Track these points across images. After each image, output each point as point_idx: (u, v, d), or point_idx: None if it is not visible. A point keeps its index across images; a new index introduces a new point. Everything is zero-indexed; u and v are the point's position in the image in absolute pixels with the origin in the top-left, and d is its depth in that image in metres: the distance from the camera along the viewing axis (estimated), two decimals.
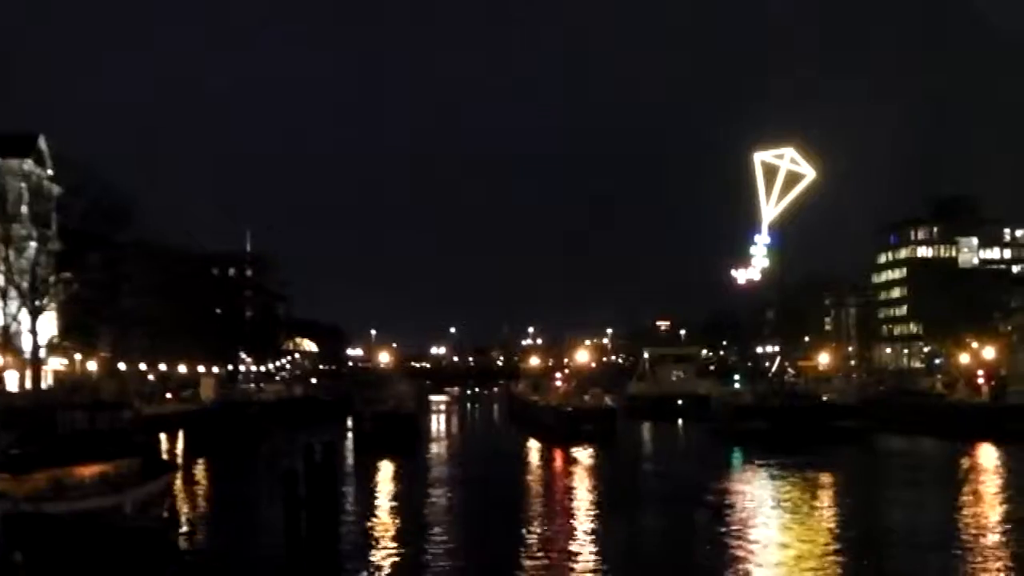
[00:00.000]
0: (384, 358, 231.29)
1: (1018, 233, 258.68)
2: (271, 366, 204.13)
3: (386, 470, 77.13)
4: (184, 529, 47.64)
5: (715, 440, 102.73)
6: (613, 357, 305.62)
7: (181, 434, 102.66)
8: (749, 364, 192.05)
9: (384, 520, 52.30)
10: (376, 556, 42.33)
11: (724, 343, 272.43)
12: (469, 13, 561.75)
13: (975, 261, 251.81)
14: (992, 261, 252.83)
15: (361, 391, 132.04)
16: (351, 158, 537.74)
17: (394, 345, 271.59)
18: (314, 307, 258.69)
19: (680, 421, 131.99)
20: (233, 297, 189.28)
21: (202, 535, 48.31)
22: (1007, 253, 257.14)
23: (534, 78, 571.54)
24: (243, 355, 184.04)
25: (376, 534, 47.34)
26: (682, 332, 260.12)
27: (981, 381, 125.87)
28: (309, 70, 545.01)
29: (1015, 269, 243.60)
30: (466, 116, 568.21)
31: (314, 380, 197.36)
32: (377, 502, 59.20)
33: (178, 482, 62.21)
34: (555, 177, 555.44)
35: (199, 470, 77.29)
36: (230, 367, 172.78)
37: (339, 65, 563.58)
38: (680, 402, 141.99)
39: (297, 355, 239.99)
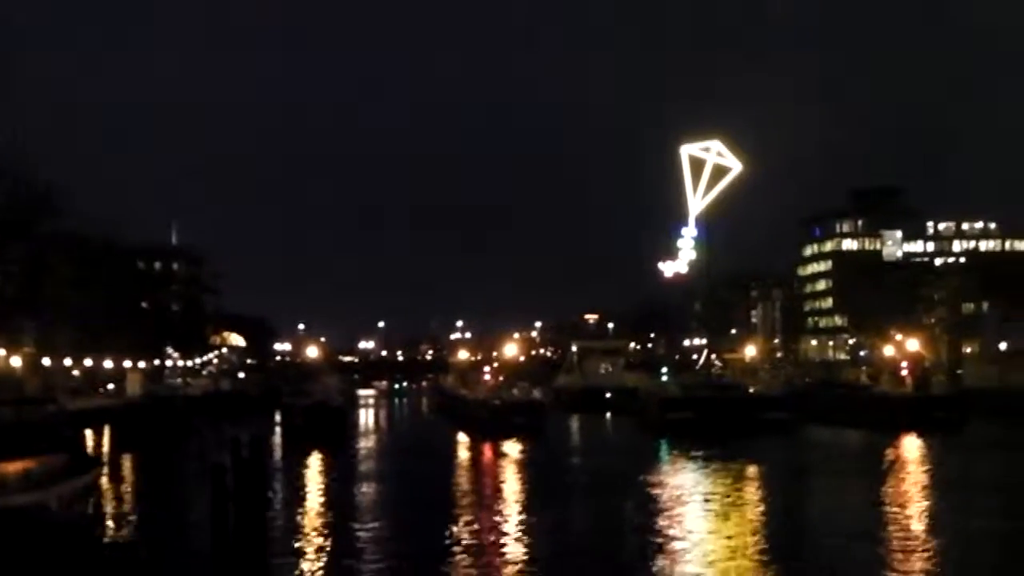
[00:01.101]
0: (312, 352, 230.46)
1: (941, 226, 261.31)
2: (198, 361, 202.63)
3: (314, 464, 76.91)
4: (110, 524, 47.27)
5: (643, 432, 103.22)
6: (541, 351, 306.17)
7: (107, 429, 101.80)
8: (676, 357, 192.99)
9: (312, 513, 52.16)
10: (304, 549, 42.22)
11: (652, 336, 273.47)
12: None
13: (899, 254, 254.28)
14: (915, 254, 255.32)
15: (289, 385, 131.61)
16: (282, 153, 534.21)
17: (322, 339, 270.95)
18: (242, 301, 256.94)
19: (608, 414, 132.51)
20: (159, 291, 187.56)
21: (129, 530, 47.92)
22: (930, 246, 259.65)
23: (456, 78, 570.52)
24: (170, 350, 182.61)
25: (304, 527, 47.22)
26: (610, 325, 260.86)
27: (905, 373, 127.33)
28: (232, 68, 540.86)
29: (938, 262, 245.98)
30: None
31: (242, 375, 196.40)
32: (305, 496, 59.03)
33: (104, 477, 61.73)
34: (478, 173, 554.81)
35: (126, 465, 76.68)
36: (157, 362, 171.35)
37: (264, 65, 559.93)
38: (608, 395, 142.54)
39: (225, 349, 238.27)
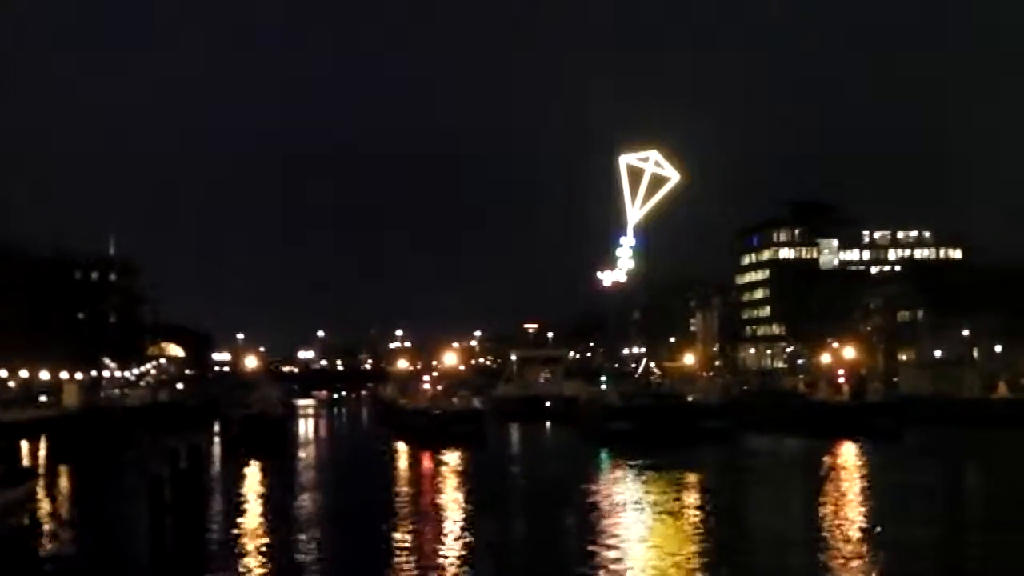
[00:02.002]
0: (251, 362, 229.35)
1: (877, 235, 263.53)
2: (136, 371, 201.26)
3: (254, 475, 76.56)
4: (47, 537, 46.92)
5: (582, 441, 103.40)
6: (481, 359, 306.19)
7: (43, 441, 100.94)
8: (616, 365, 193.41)
9: (251, 525, 51.91)
10: (243, 561, 42.01)
11: (591, 345, 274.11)
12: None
13: (835, 262, 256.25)
14: (852, 262, 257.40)
15: (228, 395, 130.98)
16: (216, 161, 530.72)
17: (261, 349, 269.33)
18: (180, 312, 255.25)
19: (548, 423, 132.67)
20: (96, 301, 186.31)
21: (65, 542, 47.54)
22: (866, 254, 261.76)
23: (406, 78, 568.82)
24: (107, 360, 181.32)
25: (243, 539, 46.98)
26: (549, 334, 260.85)
27: (842, 380, 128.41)
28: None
29: (874, 270, 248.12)
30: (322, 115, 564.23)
31: (180, 385, 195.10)
32: (244, 507, 58.70)
33: (40, 489, 61.28)
34: (419, 178, 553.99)
35: (62, 477, 76.06)
36: (94, 372, 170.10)
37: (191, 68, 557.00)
38: (548, 404, 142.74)
39: (163, 360, 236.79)
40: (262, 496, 65.47)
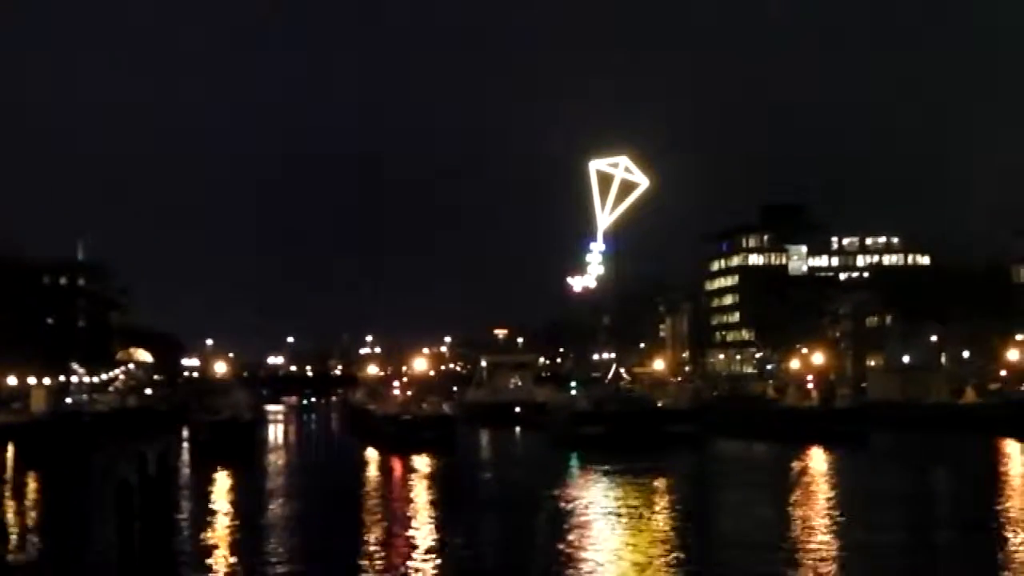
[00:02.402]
0: (221, 368, 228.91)
1: (845, 241, 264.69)
2: (105, 376, 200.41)
3: (223, 480, 76.40)
4: (14, 543, 46.72)
5: (552, 446, 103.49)
6: (451, 365, 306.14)
7: (11, 447, 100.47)
8: (586, 370, 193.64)
9: (220, 531, 51.85)
10: (212, 567, 41.97)
11: (561, 350, 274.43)
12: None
13: (804, 268, 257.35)
14: (820, 268, 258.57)
15: (198, 401, 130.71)
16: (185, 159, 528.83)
17: (231, 355, 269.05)
18: (150, 317, 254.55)
19: (518, 428, 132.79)
20: (65, 306, 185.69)
21: (32, 548, 47.36)
22: (835, 261, 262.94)
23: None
24: (75, 366, 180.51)
25: (212, 545, 46.91)
26: (519, 340, 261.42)
27: (811, 386, 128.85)
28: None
29: (842, 276, 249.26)
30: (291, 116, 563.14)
31: (149, 390, 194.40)
32: (213, 513, 58.59)
33: (7, 494, 61.05)
34: (389, 180, 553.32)
35: (30, 483, 75.73)
36: (62, 378, 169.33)
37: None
38: (518, 409, 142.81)
39: (132, 365, 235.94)
40: (231, 502, 65.36)
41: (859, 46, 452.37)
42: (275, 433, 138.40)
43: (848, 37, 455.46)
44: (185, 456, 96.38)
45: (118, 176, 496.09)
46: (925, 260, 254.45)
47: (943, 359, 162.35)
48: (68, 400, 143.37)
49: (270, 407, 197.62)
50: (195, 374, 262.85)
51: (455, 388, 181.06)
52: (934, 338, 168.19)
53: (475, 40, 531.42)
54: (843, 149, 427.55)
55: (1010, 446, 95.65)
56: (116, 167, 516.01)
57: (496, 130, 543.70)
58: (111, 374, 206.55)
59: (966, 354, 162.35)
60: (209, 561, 43.12)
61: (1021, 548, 43.93)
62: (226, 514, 59.16)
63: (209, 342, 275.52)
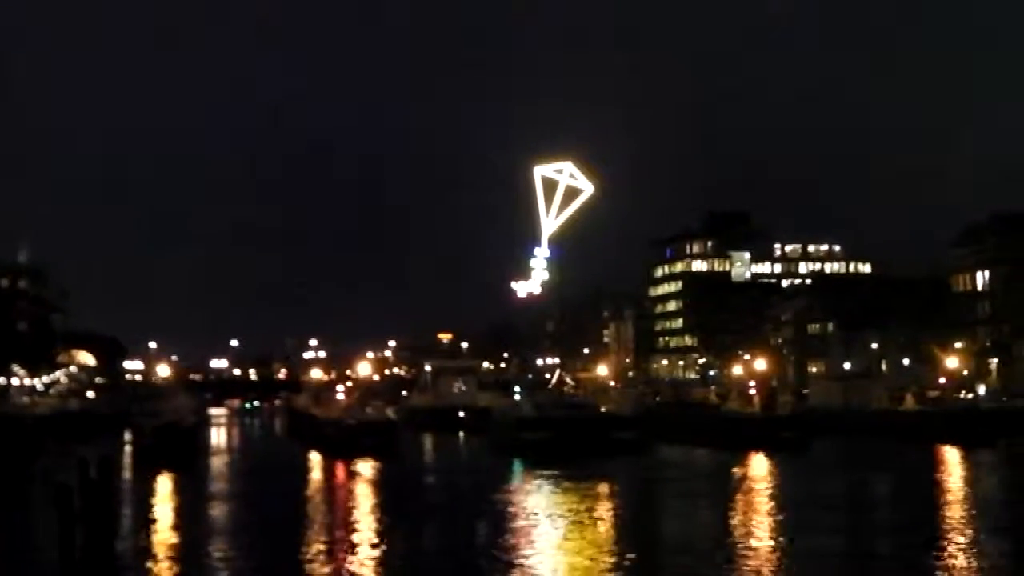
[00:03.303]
0: (163, 371, 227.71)
1: (788, 248, 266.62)
2: (46, 379, 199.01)
3: (165, 484, 76.17)
4: None
5: (496, 452, 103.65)
6: (395, 370, 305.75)
7: None
8: (530, 376, 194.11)
9: (162, 535, 51.72)
10: (153, 571, 41.90)
11: (505, 355, 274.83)
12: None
13: (747, 275, 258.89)
14: (763, 275, 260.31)
15: (140, 404, 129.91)
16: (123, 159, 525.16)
17: (174, 358, 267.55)
18: (92, 319, 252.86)
19: (462, 433, 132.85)
20: (5, 309, 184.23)
21: None
22: (777, 267, 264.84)
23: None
24: (16, 368, 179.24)
25: (154, 550, 46.79)
26: (464, 345, 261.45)
27: (753, 392, 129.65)
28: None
29: (785, 283, 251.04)
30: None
31: (91, 393, 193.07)
32: (155, 517, 58.39)
33: None
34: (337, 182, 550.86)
35: None
36: (2, 380, 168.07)
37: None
38: (461, 414, 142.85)
39: (74, 368, 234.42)
40: (173, 506, 65.22)
41: (808, 42, 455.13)
42: (218, 437, 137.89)
43: (797, 34, 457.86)
44: (127, 460, 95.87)
45: (63, 177, 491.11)
46: (866, 268, 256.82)
47: (883, 366, 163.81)
48: (9, 403, 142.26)
49: (213, 411, 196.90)
50: (138, 377, 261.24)
51: (399, 393, 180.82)
52: (875, 345, 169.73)
53: (426, 39, 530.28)
54: (790, 154, 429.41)
55: (949, 453, 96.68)
56: (62, 168, 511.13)
57: (445, 131, 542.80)
58: (52, 377, 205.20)
59: (906, 361, 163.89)
60: (150, 565, 43.04)
61: (958, 555, 44.47)
62: (168, 518, 59.03)
63: (152, 345, 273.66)
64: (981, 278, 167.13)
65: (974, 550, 45.65)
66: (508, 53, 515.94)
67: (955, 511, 59.54)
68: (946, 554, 44.29)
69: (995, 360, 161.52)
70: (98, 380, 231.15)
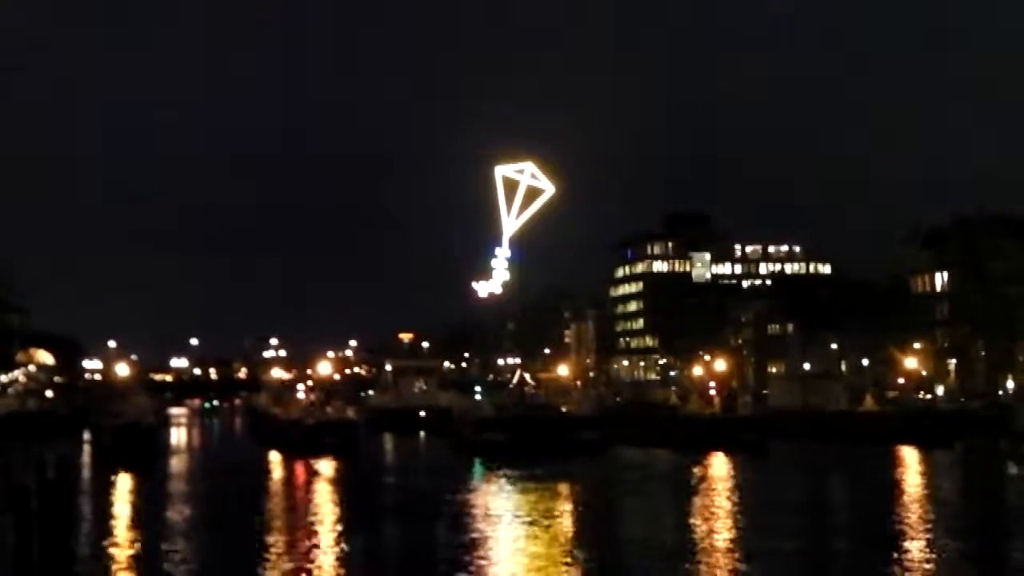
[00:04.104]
0: (123, 370, 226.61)
1: (748, 249, 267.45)
2: (4, 379, 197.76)
3: (124, 485, 75.90)
4: None
5: (456, 452, 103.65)
6: (356, 369, 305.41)
7: None
8: (490, 376, 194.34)
9: (121, 535, 51.55)
10: (111, 572, 41.74)
11: (466, 355, 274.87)
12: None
13: (708, 276, 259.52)
14: (724, 276, 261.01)
15: (99, 404, 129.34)
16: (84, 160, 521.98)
17: (134, 357, 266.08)
18: (51, 319, 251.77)
19: (422, 433, 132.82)
20: None
21: None
22: (738, 268, 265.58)
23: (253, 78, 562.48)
24: None
25: (112, 550, 46.63)
26: (425, 345, 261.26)
27: (713, 393, 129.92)
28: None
29: (745, 284, 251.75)
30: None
31: (50, 393, 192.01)
32: (114, 517, 58.23)
33: None
34: (294, 182, 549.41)
35: None
36: None
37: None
38: (422, 414, 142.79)
39: (32, 367, 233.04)
40: (132, 506, 64.99)
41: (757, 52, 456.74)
42: (178, 437, 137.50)
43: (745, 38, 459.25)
44: (86, 460, 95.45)
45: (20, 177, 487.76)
46: (826, 269, 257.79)
47: (843, 367, 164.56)
48: None
49: (173, 410, 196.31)
50: (97, 377, 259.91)
51: (360, 393, 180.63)
52: (834, 346, 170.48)
53: (378, 38, 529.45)
54: (759, 155, 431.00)
55: (907, 453, 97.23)
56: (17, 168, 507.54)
57: (402, 131, 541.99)
58: (11, 376, 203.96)
59: (865, 362, 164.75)
60: (108, 566, 42.89)
61: (916, 556, 44.78)
62: (127, 519, 58.83)
63: (112, 344, 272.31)
64: (940, 280, 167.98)
65: (931, 550, 46.01)
66: (468, 52, 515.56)
67: (912, 512, 59.88)
68: (903, 554, 44.57)
69: (953, 361, 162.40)
70: (57, 380, 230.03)
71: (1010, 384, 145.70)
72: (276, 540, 49.53)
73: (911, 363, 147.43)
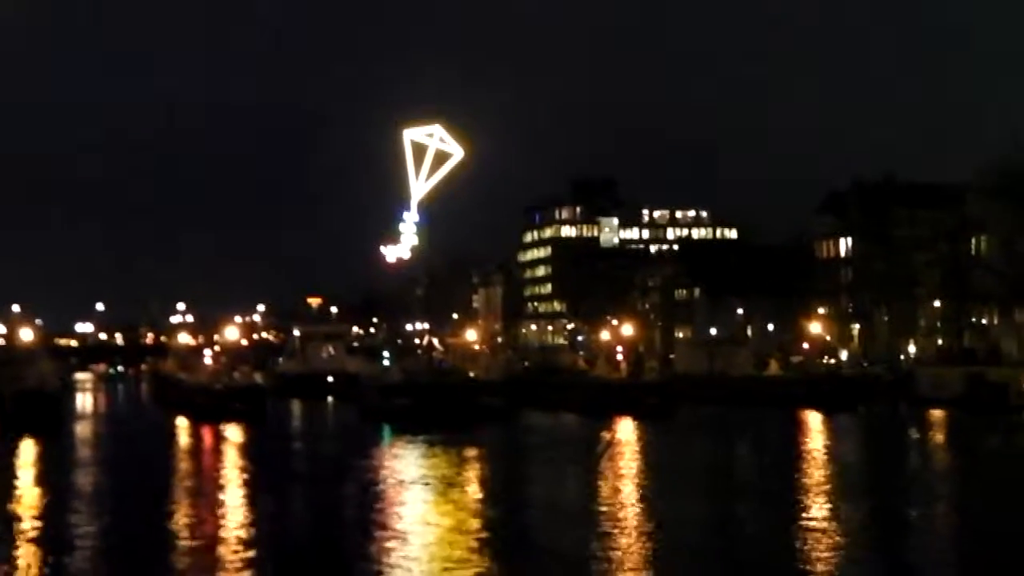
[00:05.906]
0: (27, 335, 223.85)
1: (656, 214, 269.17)
2: None
3: (28, 452, 75.21)
4: None
5: (364, 418, 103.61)
6: (264, 334, 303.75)
7: None
8: (398, 341, 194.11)
9: (25, 504, 51.15)
10: (14, 542, 41.46)
11: (375, 321, 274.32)
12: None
13: (615, 241, 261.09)
14: (632, 241, 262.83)
15: (2, 370, 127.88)
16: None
17: (38, 322, 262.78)
18: None
19: (330, 399, 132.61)
20: None
21: None
22: (645, 233, 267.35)
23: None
24: None
25: (15, 519, 46.25)
26: (333, 310, 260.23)
27: (620, 358, 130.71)
28: None
29: (652, 249, 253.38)
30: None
31: None
32: (17, 485, 57.76)
33: None
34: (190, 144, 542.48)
35: None
36: None
37: None
38: (330, 380, 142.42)
39: None
40: (37, 473, 64.52)
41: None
42: (83, 403, 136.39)
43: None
44: None
45: None
46: (733, 234, 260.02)
47: (749, 332, 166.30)
48: None
49: (78, 376, 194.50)
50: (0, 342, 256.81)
51: (268, 358, 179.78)
52: (740, 311, 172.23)
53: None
54: (661, 122, 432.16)
55: (811, 418, 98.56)
56: None
57: (312, 90, 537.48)
58: None
59: (771, 327, 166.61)
60: (12, 534, 42.59)
61: (816, 516, 45.63)
62: (31, 486, 58.42)
63: (15, 308, 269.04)
64: (844, 245, 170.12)
65: (833, 511, 46.89)
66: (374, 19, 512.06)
67: (814, 474, 60.90)
68: (806, 517, 45.35)
69: (857, 327, 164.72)
70: None
71: (912, 349, 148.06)
72: (183, 506, 49.46)
73: (815, 328, 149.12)
